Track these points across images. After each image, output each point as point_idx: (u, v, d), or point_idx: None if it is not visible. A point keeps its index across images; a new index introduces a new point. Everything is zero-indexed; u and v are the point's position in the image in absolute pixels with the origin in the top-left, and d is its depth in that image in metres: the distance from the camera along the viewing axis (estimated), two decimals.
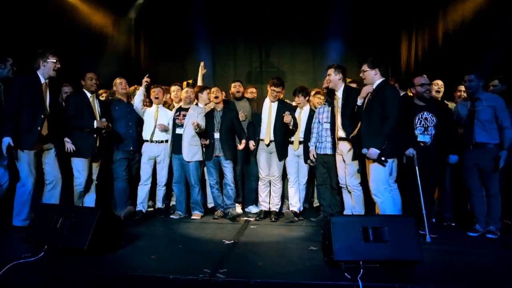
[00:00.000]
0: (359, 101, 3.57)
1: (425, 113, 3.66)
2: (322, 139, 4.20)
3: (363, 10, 6.77)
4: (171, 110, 4.61)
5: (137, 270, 2.62)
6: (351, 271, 2.46)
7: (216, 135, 4.36)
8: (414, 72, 5.97)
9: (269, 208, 4.50)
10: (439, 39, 6.29)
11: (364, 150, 3.30)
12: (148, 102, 4.67)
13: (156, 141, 4.43)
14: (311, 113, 4.44)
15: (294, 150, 4.43)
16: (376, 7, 6.70)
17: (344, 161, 3.91)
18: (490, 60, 5.03)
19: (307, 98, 4.52)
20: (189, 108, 4.43)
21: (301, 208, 4.56)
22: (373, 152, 3.22)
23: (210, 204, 4.70)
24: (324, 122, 4.19)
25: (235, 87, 4.85)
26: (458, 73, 4.45)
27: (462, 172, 3.82)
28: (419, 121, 3.66)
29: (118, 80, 4.48)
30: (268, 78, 6.91)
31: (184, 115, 4.38)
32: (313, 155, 4.27)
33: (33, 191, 3.65)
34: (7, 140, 3.43)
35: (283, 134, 4.34)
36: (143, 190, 4.42)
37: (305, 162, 4.41)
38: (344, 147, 3.86)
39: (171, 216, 4.41)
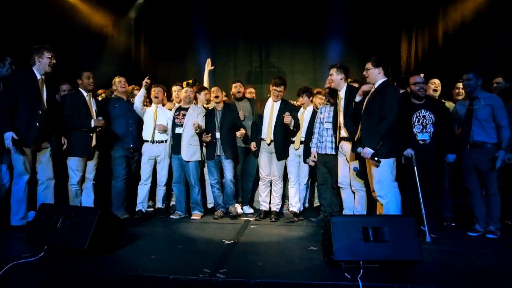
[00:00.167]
0: (357, 98, 3.58)
1: (423, 111, 3.67)
2: (323, 139, 4.20)
3: (363, 10, 6.77)
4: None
5: (137, 270, 2.62)
6: (351, 271, 2.46)
7: (217, 135, 4.37)
8: (414, 72, 5.98)
9: (269, 208, 4.51)
10: (439, 39, 6.30)
11: (359, 149, 3.31)
12: (148, 102, 4.68)
13: (156, 141, 4.44)
14: (314, 113, 4.44)
15: (295, 150, 4.43)
16: (376, 7, 6.70)
17: (347, 161, 3.91)
18: (490, 60, 5.03)
19: (311, 99, 4.52)
20: (188, 107, 4.43)
21: (301, 208, 4.56)
22: (367, 151, 3.24)
23: (210, 204, 4.71)
24: (325, 122, 4.19)
25: (236, 88, 4.85)
26: (458, 73, 4.45)
27: (461, 171, 3.82)
28: (416, 119, 3.68)
29: (117, 79, 4.47)
30: (268, 78, 6.96)
31: (184, 115, 4.38)
32: (314, 155, 4.27)
33: (29, 189, 3.63)
34: (9, 135, 3.40)
35: (283, 134, 4.34)
36: (143, 190, 4.43)
37: (304, 162, 4.40)
38: (347, 147, 3.86)
39: (171, 216, 4.41)
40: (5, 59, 3.86)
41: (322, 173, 4.29)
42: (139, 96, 4.34)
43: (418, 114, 3.67)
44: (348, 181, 3.95)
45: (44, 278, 2.56)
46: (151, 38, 7.57)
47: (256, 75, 7.54)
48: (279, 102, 4.42)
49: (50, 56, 3.64)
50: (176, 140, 4.37)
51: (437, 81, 4.48)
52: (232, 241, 3.38)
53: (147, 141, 4.45)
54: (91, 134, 4.01)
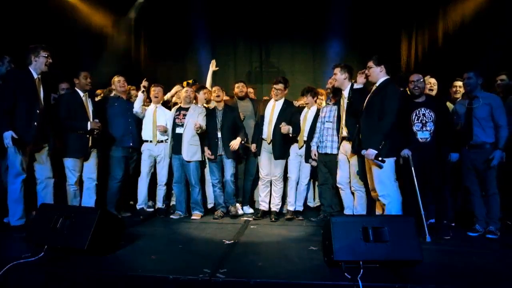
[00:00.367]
0: (356, 85, 3.64)
1: (423, 109, 3.65)
2: (324, 138, 4.20)
3: (363, 10, 6.77)
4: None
5: (137, 270, 2.61)
6: (351, 271, 2.46)
7: (219, 134, 4.37)
8: (414, 72, 5.97)
9: (269, 208, 4.51)
10: (439, 39, 6.30)
11: (363, 151, 3.31)
12: (147, 101, 4.68)
13: (157, 141, 4.45)
14: (318, 113, 4.43)
15: (298, 149, 4.43)
16: (376, 7, 6.70)
17: (348, 161, 3.90)
18: (490, 60, 5.03)
19: (315, 99, 4.52)
20: (189, 107, 4.44)
21: (302, 208, 4.56)
22: (371, 152, 3.22)
23: (210, 204, 4.70)
24: (326, 122, 4.19)
25: (238, 87, 4.86)
26: (458, 73, 4.45)
27: (460, 171, 3.82)
28: (416, 117, 3.66)
29: (116, 78, 4.47)
30: (268, 78, 6.97)
31: (184, 115, 4.38)
32: (315, 154, 4.27)
33: (25, 189, 3.61)
34: (9, 134, 3.39)
35: (282, 134, 4.34)
36: (143, 186, 4.45)
37: (306, 161, 4.41)
38: (348, 147, 3.85)
39: (171, 216, 4.41)
40: (4, 57, 3.84)
41: (323, 173, 4.29)
42: (138, 101, 4.33)
43: (417, 112, 3.66)
44: (347, 181, 3.95)
45: (44, 278, 2.56)
46: (151, 38, 7.57)
47: (256, 75, 7.54)
48: (280, 102, 4.42)
49: (46, 55, 3.62)
50: (177, 140, 4.37)
51: (432, 80, 4.48)
52: (232, 241, 3.38)
53: (146, 141, 4.46)
54: (88, 135, 4.00)
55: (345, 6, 6.72)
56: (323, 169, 4.27)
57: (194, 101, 4.60)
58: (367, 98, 3.46)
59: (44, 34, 4.90)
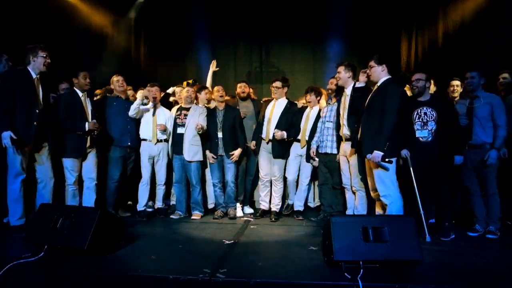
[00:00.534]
0: (358, 84, 3.66)
1: (425, 108, 3.61)
2: (324, 138, 4.19)
3: (363, 10, 6.77)
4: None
5: (137, 270, 2.62)
6: (351, 271, 2.46)
7: (219, 134, 4.37)
8: (414, 72, 5.97)
9: (269, 207, 4.51)
10: (439, 39, 6.30)
11: (368, 156, 3.28)
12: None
13: (156, 140, 4.43)
14: (320, 114, 4.43)
15: (300, 148, 4.43)
16: (376, 7, 6.70)
17: (348, 161, 3.90)
18: (490, 60, 5.03)
19: (318, 98, 4.52)
20: (190, 107, 4.43)
21: (302, 208, 4.55)
22: (377, 155, 3.19)
23: (211, 205, 4.70)
24: (327, 121, 4.19)
25: (241, 87, 4.85)
26: (458, 73, 4.45)
27: (460, 171, 3.82)
28: (417, 116, 3.63)
29: (115, 78, 4.44)
30: (268, 78, 6.96)
31: (185, 115, 4.38)
32: (313, 152, 4.27)
33: (25, 189, 3.61)
34: (8, 134, 3.38)
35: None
36: (145, 191, 4.41)
37: (307, 161, 4.41)
38: (348, 148, 3.84)
39: (171, 216, 4.41)
40: (2, 56, 3.84)
41: (323, 173, 4.28)
42: (135, 108, 4.25)
43: (419, 111, 3.62)
44: (349, 181, 3.95)
45: (44, 278, 2.56)
46: (151, 38, 7.57)
47: (256, 75, 7.55)
48: (281, 101, 4.42)
49: (44, 55, 3.61)
50: (178, 140, 4.36)
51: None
52: (232, 241, 3.38)
53: (145, 139, 4.42)
54: (86, 136, 3.99)
55: (345, 6, 6.72)
56: (323, 169, 4.27)
57: (195, 101, 4.60)
58: (368, 98, 3.46)
59: (44, 34, 4.91)
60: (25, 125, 3.52)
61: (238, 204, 4.59)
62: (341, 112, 3.96)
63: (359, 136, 3.47)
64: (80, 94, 4.04)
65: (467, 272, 2.66)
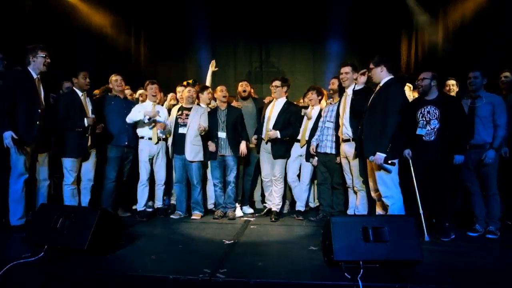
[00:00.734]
0: (358, 86, 3.67)
1: (429, 106, 3.57)
2: (323, 138, 4.19)
3: (363, 10, 6.78)
4: None
5: (137, 270, 2.61)
6: (351, 271, 2.45)
7: (221, 134, 4.37)
8: (414, 72, 5.98)
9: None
10: (439, 39, 6.30)
11: (371, 158, 3.28)
12: (144, 97, 4.67)
13: (157, 139, 4.42)
14: (321, 114, 4.43)
15: (300, 148, 4.43)
16: (376, 7, 6.71)
17: (348, 161, 3.90)
18: (490, 60, 5.03)
19: (319, 98, 4.51)
20: (191, 107, 4.43)
21: (303, 208, 4.55)
22: (379, 157, 3.19)
23: (211, 205, 4.71)
24: (327, 121, 4.19)
25: (242, 86, 4.85)
26: (458, 73, 4.45)
27: (460, 171, 3.81)
28: (421, 114, 3.60)
29: (113, 77, 4.43)
30: (268, 78, 6.95)
31: (187, 115, 4.38)
32: (313, 148, 4.26)
33: (26, 189, 3.60)
34: (9, 134, 3.37)
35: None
36: (144, 192, 4.39)
37: (307, 160, 4.41)
38: (347, 149, 3.84)
39: (171, 216, 4.41)
40: None
41: (322, 172, 4.29)
42: (132, 119, 4.22)
43: (422, 110, 3.60)
44: (351, 182, 3.95)
45: (44, 278, 2.56)
46: (151, 38, 7.57)
47: (256, 75, 7.55)
48: (280, 101, 4.42)
49: (44, 55, 3.61)
50: (179, 140, 4.35)
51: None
52: (232, 241, 3.38)
53: (142, 137, 4.37)
54: (87, 134, 3.98)
55: (345, 6, 6.73)
56: (322, 169, 4.27)
57: (196, 101, 4.60)
58: (371, 98, 3.45)
59: (44, 34, 4.92)
60: (27, 125, 3.52)
61: (236, 204, 4.59)
62: (340, 112, 3.96)
63: (362, 137, 3.47)
64: (80, 93, 4.04)
65: (467, 272, 2.66)
